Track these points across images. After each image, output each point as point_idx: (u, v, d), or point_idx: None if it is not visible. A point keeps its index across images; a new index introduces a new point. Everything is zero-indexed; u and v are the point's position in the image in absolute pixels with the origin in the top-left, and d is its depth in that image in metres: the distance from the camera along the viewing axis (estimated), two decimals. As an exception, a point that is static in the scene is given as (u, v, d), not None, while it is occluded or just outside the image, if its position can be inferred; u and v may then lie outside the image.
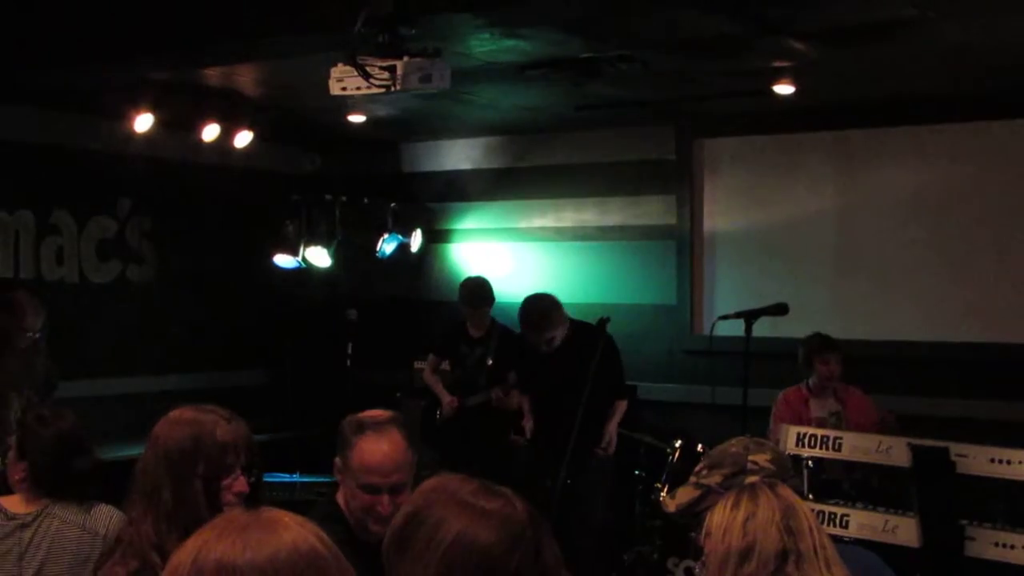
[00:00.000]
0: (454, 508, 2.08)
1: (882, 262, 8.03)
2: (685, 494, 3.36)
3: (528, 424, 7.39)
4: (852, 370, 7.12)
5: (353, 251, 9.38)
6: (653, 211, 8.85)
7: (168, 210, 9.08)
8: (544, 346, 7.06)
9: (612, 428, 7.09)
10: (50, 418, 4.23)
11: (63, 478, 4.14)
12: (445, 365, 8.27)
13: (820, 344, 7.07)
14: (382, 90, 4.31)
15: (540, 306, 7.13)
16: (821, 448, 5.30)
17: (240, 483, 3.19)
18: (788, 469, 3.34)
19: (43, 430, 4.15)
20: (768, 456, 3.30)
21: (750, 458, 3.29)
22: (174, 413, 3.32)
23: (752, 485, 2.93)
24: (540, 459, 7.14)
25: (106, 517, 4.19)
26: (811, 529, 2.79)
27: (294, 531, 1.65)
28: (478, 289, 8.09)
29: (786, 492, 2.88)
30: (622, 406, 7.19)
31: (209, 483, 3.15)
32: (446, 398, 8.03)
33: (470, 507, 2.08)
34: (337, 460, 3.51)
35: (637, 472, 7.26)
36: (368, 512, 3.38)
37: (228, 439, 3.19)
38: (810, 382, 7.11)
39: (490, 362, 8.00)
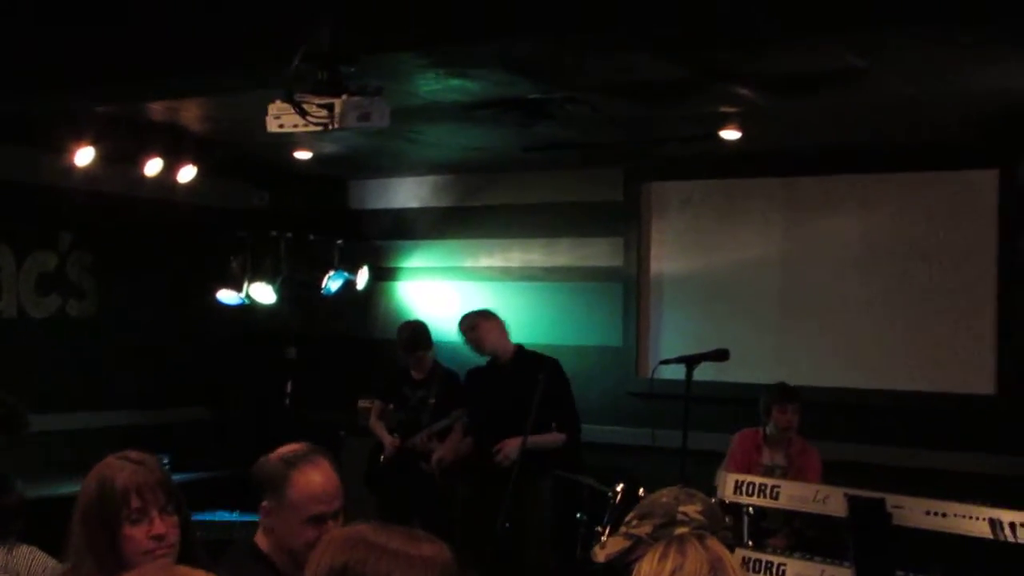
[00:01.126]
0: (393, 560, 2.06)
1: (826, 309, 8.05)
2: (615, 544, 3.32)
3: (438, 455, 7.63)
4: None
5: (298, 288, 9.31)
6: (600, 253, 8.85)
7: (110, 245, 8.96)
8: (469, 341, 7.48)
9: (514, 445, 6.99)
10: None
11: None
12: (389, 407, 8.22)
13: (780, 393, 7.06)
14: (319, 128, 4.25)
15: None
16: (759, 496, 5.25)
17: (156, 525, 3.12)
18: (720, 520, 3.30)
19: None
20: (699, 507, 3.26)
21: (680, 509, 3.26)
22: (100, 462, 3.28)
23: (681, 537, 2.88)
24: (480, 498, 7.11)
25: (27, 558, 4.11)
26: None
27: None
28: (414, 335, 8.11)
29: (715, 544, 2.83)
30: (555, 437, 7.15)
31: (114, 530, 3.08)
32: (387, 439, 7.99)
33: (407, 557, 2.06)
34: (266, 503, 3.44)
35: (579, 515, 7.19)
36: (312, 546, 3.33)
37: (130, 484, 3.13)
38: (766, 429, 7.09)
39: (432, 402, 7.97)
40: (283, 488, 3.40)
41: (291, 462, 3.43)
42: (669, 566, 2.74)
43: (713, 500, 3.49)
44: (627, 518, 3.35)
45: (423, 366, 8.11)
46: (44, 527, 4.67)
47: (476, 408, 7.50)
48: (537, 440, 6.91)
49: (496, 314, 7.70)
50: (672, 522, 3.19)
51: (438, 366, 8.18)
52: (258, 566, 3.41)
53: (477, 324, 7.53)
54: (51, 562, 4.21)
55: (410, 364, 8.12)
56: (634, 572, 2.84)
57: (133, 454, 3.21)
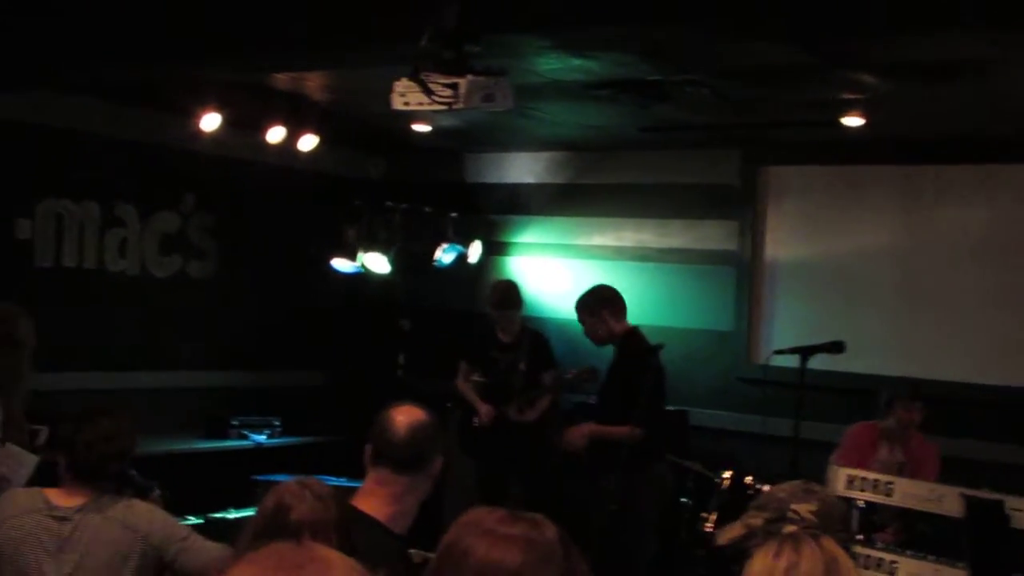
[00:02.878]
0: (478, 536, 2.16)
1: (944, 301, 7.90)
2: (732, 531, 3.34)
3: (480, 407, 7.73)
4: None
5: (411, 259, 9.39)
6: (714, 236, 8.78)
7: (231, 208, 9.15)
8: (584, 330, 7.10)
9: (581, 433, 6.97)
10: (94, 413, 4.25)
11: (103, 474, 4.17)
12: (477, 375, 8.22)
13: (908, 390, 6.90)
14: (444, 107, 4.29)
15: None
16: (873, 492, 5.19)
17: None
18: (835, 522, 3.26)
19: (86, 425, 4.17)
20: (813, 507, 3.24)
21: (793, 506, 3.24)
22: None
23: (795, 535, 2.86)
24: (584, 476, 7.11)
25: (147, 514, 4.22)
26: None
27: (343, 572, 1.64)
28: (506, 292, 8.10)
29: (830, 544, 2.80)
30: (619, 431, 6.97)
31: None
32: (482, 408, 7.99)
33: (492, 533, 2.15)
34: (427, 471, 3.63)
35: (684, 500, 7.17)
36: None
37: (305, 520, 3.09)
38: (885, 423, 6.93)
39: (522, 367, 7.97)
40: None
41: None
42: (783, 564, 2.73)
43: (836, 498, 3.45)
44: (750, 505, 3.37)
45: (511, 328, 8.09)
46: (161, 480, 4.82)
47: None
48: (604, 431, 6.89)
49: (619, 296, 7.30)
50: (781, 518, 3.18)
51: (527, 328, 8.15)
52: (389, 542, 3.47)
53: (583, 320, 7.16)
54: (169, 517, 4.32)
55: (498, 325, 8.11)
56: (747, 566, 2.84)
57: (316, 487, 3.18)
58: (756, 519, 3.30)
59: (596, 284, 7.42)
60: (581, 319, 7.13)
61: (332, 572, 1.62)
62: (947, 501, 4.98)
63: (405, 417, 3.61)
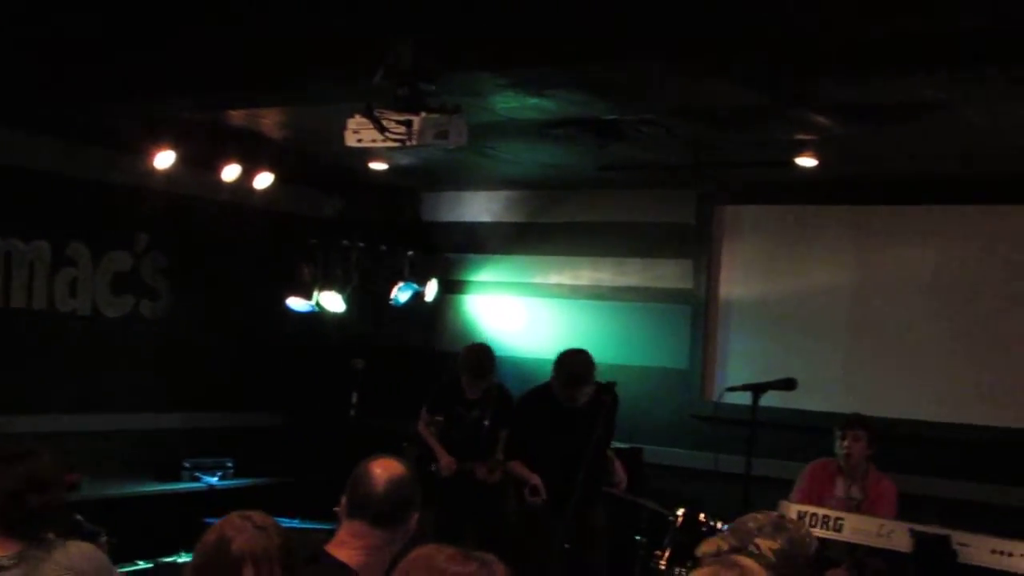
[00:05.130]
0: (428, 574, 2.17)
1: (896, 340, 7.97)
2: (708, 546, 3.38)
3: (534, 480, 7.09)
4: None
5: (368, 298, 9.37)
6: (670, 274, 8.82)
7: (185, 247, 9.07)
8: (571, 402, 6.97)
9: (622, 471, 6.95)
10: (15, 455, 4.12)
11: (26, 516, 4.03)
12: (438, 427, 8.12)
13: (846, 420, 6.94)
14: (397, 144, 4.29)
15: (583, 359, 7.05)
16: (822, 528, 5.22)
17: None
18: (797, 565, 3.25)
19: (6, 467, 4.04)
20: (776, 545, 3.24)
21: (757, 540, 3.25)
22: None
23: (732, 560, 2.84)
24: (535, 522, 7.06)
25: (87, 554, 4.12)
26: None
27: None
28: (482, 360, 7.88)
29: (753, 573, 2.77)
30: (618, 471, 7.06)
31: None
32: (444, 459, 7.87)
33: (442, 572, 2.16)
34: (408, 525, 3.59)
35: (638, 537, 7.17)
36: None
37: (246, 550, 3.02)
38: (840, 461, 6.96)
39: (487, 423, 7.89)
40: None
41: None
42: None
43: (809, 539, 3.44)
44: (729, 525, 3.42)
45: (480, 389, 7.99)
46: (110, 524, 4.75)
47: (535, 439, 7.30)
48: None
49: None
50: (741, 550, 3.18)
51: (493, 385, 8.05)
52: None
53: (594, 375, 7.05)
54: (110, 565, 4.23)
55: (467, 389, 7.99)
56: None
57: (257, 517, 3.09)
58: (725, 543, 3.32)
59: (578, 350, 7.17)
60: (586, 390, 6.98)
61: None
62: (896, 536, 5.01)
63: (383, 471, 3.53)
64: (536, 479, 7.06)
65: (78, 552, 4.07)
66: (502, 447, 7.72)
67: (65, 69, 6.02)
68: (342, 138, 4.61)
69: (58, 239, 8.33)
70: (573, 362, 7.04)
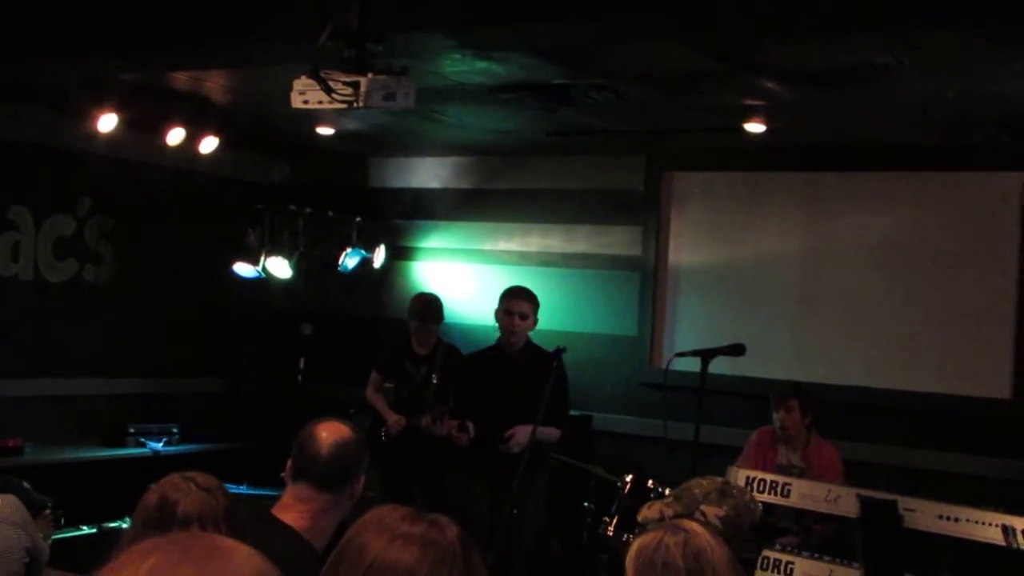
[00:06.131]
0: (377, 533, 2.14)
1: (845, 307, 8.01)
2: (650, 511, 3.37)
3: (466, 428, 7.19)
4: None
5: (315, 264, 9.30)
6: (619, 241, 8.81)
7: (129, 212, 8.95)
8: (514, 327, 7.05)
9: (526, 433, 6.88)
10: None
11: None
12: (388, 383, 8.11)
13: (781, 391, 6.98)
14: (344, 106, 4.23)
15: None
16: (770, 493, 5.24)
17: None
18: (742, 531, 3.26)
19: None
20: (723, 512, 3.25)
21: (703, 507, 3.25)
22: None
23: (676, 525, 2.84)
24: (477, 484, 7.08)
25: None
26: None
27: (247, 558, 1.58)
28: (430, 305, 7.96)
29: (703, 539, 2.76)
30: (553, 432, 7.05)
31: None
32: (391, 417, 7.88)
33: (391, 530, 2.14)
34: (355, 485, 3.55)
35: (586, 504, 7.18)
36: None
37: (191, 512, 3.07)
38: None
39: (435, 380, 7.89)
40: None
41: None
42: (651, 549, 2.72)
43: (753, 506, 3.45)
44: (672, 491, 3.38)
45: (428, 341, 7.99)
46: (54, 490, 4.69)
47: (477, 394, 7.35)
48: (543, 433, 6.85)
49: None
50: (688, 516, 3.18)
51: (441, 342, 8.06)
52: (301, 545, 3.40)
53: (529, 314, 7.20)
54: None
55: (416, 337, 8.00)
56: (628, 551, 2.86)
57: (201, 478, 3.10)
58: (669, 509, 3.32)
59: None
60: (525, 313, 7.11)
61: (234, 561, 1.56)
62: (843, 502, 5.03)
63: (329, 434, 3.49)
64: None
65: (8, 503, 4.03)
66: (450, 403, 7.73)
67: (11, 28, 5.88)
68: (288, 100, 4.54)
69: (-1, 203, 8.19)
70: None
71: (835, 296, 8.08)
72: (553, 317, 8.35)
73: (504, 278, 9.03)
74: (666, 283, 8.66)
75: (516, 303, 7.17)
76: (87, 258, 8.81)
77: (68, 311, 8.66)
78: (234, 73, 6.84)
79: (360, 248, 9.07)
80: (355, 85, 4.24)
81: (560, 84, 6.43)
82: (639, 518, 3.43)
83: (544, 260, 9.12)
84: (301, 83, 4.32)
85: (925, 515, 4.86)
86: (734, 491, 3.46)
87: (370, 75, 4.26)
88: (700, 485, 3.40)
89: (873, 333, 7.91)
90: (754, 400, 7.45)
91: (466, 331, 8.61)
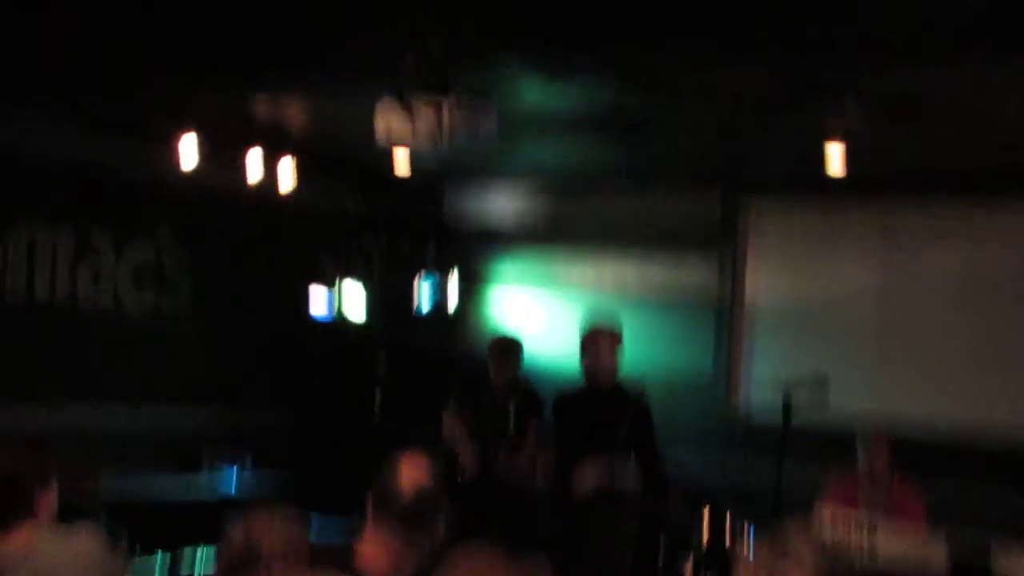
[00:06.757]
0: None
1: (926, 342, 7.85)
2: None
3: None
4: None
5: (389, 293, 9.30)
6: (694, 274, 8.73)
7: (207, 239, 9.01)
8: (594, 364, 6.89)
9: (596, 472, 6.77)
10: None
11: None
12: (465, 418, 8.09)
13: (866, 429, 6.84)
14: (427, 134, 4.21)
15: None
16: (856, 533, 5.12)
17: None
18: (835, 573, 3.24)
19: None
20: (815, 554, 3.20)
21: (795, 547, 3.21)
22: None
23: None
24: (564, 518, 6.98)
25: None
26: None
27: None
28: (508, 340, 7.99)
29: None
30: (636, 470, 6.89)
31: None
32: (468, 453, 7.83)
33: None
34: None
35: (662, 537, 7.07)
36: None
37: (276, 551, 3.13)
38: (862, 469, 6.86)
39: (512, 413, 7.85)
40: None
41: None
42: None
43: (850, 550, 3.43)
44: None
45: (507, 374, 8.00)
46: (129, 517, 4.69)
47: (566, 435, 7.24)
48: (625, 471, 6.75)
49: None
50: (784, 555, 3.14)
51: (519, 377, 8.06)
52: None
53: (619, 348, 6.99)
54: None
55: (494, 371, 8.01)
56: None
57: (283, 514, 3.16)
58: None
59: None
60: (613, 344, 6.94)
61: None
62: (931, 545, 4.91)
63: (410, 471, 3.48)
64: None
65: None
66: (530, 438, 7.69)
67: (86, 58, 5.96)
68: (370, 131, 4.54)
69: (81, 228, 8.27)
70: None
71: (915, 332, 7.93)
72: (627, 348, 8.26)
73: (578, 308, 8.98)
74: (742, 317, 8.56)
75: (604, 337, 6.99)
76: (165, 286, 8.87)
77: (145, 339, 8.71)
78: (314, 103, 6.89)
79: (434, 277, 9.07)
80: (438, 111, 4.22)
81: (637, 111, 6.39)
82: None
83: (618, 291, 9.05)
84: (385, 109, 4.31)
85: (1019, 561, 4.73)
86: (826, 532, 3.43)
87: (453, 101, 4.25)
88: (791, 527, 3.35)
89: (954, 369, 7.75)
90: (832, 437, 7.31)
91: (539, 361, 8.55)
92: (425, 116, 4.17)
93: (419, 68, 4.32)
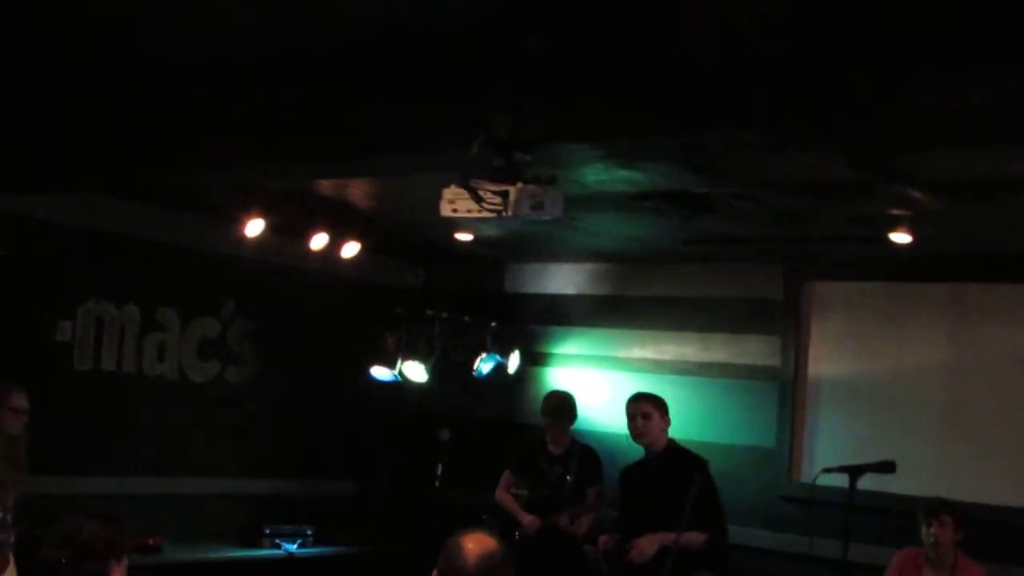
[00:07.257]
0: None
1: (991, 422, 7.75)
2: None
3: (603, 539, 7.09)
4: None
5: (450, 368, 9.35)
6: (756, 351, 8.69)
7: (271, 314, 9.14)
8: (638, 429, 6.95)
9: (652, 543, 6.73)
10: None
11: None
12: (521, 486, 8.08)
13: (930, 506, 6.74)
14: (493, 215, 4.27)
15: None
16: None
17: None
18: None
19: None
20: None
21: None
22: None
23: None
24: None
25: None
26: None
27: None
28: (564, 402, 8.06)
29: None
30: (697, 537, 6.82)
31: None
32: (526, 518, 7.85)
33: None
34: None
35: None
36: None
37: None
38: (927, 548, 6.75)
39: (570, 479, 7.85)
40: None
41: None
42: None
43: None
44: None
45: (562, 440, 8.01)
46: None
47: (628, 504, 7.27)
48: (687, 539, 6.69)
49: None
50: None
51: (576, 442, 8.08)
52: None
53: (652, 412, 7.14)
54: None
55: (550, 436, 8.03)
56: None
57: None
58: None
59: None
60: (647, 412, 6.99)
61: None
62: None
63: (475, 545, 3.50)
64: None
65: None
66: (589, 503, 7.68)
67: (154, 138, 6.09)
68: (435, 208, 4.59)
69: (148, 304, 8.42)
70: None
71: (981, 411, 7.83)
72: (688, 426, 8.23)
73: (638, 385, 8.91)
74: (805, 394, 8.49)
75: (633, 406, 7.10)
76: (229, 359, 8.99)
77: (209, 411, 8.82)
78: (378, 181, 6.98)
79: (495, 353, 9.12)
80: (504, 194, 4.28)
81: (699, 192, 6.42)
82: None
83: (679, 369, 9.02)
84: (451, 192, 4.38)
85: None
86: None
87: (519, 184, 4.30)
88: None
89: (1020, 450, 7.63)
90: (897, 517, 7.22)
91: (599, 438, 8.52)
92: (490, 199, 4.22)
93: (485, 151, 4.37)
